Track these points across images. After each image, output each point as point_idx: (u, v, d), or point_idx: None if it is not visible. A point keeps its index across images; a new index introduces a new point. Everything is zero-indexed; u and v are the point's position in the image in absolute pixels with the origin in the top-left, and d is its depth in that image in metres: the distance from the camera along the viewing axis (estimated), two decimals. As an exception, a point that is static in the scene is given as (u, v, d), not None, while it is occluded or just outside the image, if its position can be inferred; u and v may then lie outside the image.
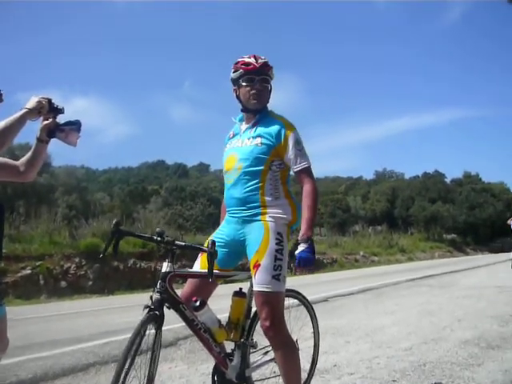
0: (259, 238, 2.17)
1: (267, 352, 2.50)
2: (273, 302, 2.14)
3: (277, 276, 2.13)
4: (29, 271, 11.05)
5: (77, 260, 12.19)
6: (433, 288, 9.42)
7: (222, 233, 2.34)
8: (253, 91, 2.27)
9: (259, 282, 2.13)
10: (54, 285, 11.30)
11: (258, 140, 2.24)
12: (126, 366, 1.75)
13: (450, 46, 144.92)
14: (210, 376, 2.32)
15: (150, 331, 1.89)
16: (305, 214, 2.17)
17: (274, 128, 2.24)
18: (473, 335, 4.35)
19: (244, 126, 2.37)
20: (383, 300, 7.68)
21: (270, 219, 2.20)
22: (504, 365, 3.28)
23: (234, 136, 2.42)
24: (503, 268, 15.06)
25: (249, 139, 2.28)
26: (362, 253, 27.41)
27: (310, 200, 2.18)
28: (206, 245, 2.28)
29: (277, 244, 2.16)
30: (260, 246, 2.15)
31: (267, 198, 2.22)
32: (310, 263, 2.07)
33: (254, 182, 2.21)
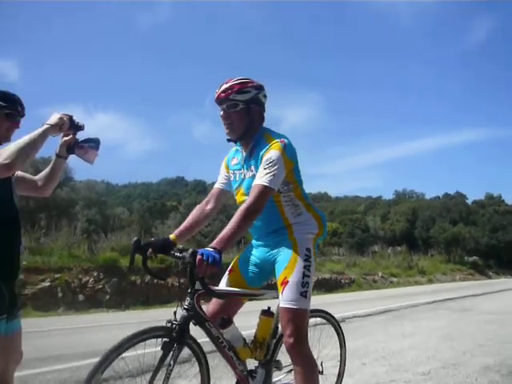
0: (288, 255, 2.17)
1: (290, 371, 2.48)
2: (299, 319, 2.13)
3: (304, 293, 2.13)
4: (48, 283, 11.19)
5: (95, 274, 12.30)
6: (453, 311, 9.20)
7: (252, 254, 2.38)
8: (223, 121, 2.23)
9: (287, 298, 2.12)
10: (71, 298, 11.41)
11: (253, 170, 2.19)
12: None
13: (475, 68, 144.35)
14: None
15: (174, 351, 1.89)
16: (225, 228, 1.99)
17: (262, 153, 2.14)
18: (494, 361, 4.23)
19: (244, 153, 2.29)
20: (402, 322, 7.53)
21: (298, 235, 2.21)
22: (526, 393, 3.17)
23: (236, 164, 2.34)
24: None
25: (247, 170, 2.24)
26: (380, 273, 26.98)
27: (237, 216, 2.01)
28: (232, 264, 2.40)
29: (305, 260, 2.16)
30: (289, 263, 2.15)
31: (290, 218, 2.23)
32: (217, 264, 1.83)
33: (271, 209, 2.19)
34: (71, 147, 2.17)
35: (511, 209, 61.14)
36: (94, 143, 2.21)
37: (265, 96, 2.26)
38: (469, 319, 7.73)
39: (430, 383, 3.53)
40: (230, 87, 2.17)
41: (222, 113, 2.20)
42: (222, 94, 2.17)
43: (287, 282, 2.12)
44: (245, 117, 2.19)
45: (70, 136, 2.16)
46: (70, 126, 2.14)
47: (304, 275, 2.14)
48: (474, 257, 48.57)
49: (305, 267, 2.15)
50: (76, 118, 2.18)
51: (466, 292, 15.92)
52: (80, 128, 2.19)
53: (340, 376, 2.71)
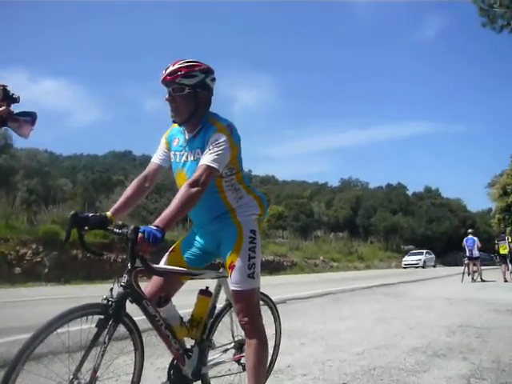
0: (233, 239, 2.21)
1: (226, 350, 2.56)
2: (249, 299, 2.21)
3: (251, 274, 2.19)
4: (-18, 255, 10.68)
5: (34, 246, 11.87)
6: (388, 296, 9.71)
7: (195, 238, 2.40)
8: (168, 103, 2.16)
9: (235, 281, 2.19)
10: (7, 270, 10.98)
11: (199, 153, 2.15)
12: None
13: (421, 61, 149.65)
14: (166, 371, 2.33)
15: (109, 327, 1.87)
16: (168, 206, 1.96)
17: (208, 136, 2.12)
18: (421, 343, 4.53)
19: (187, 135, 2.25)
20: (340, 305, 7.87)
21: (242, 218, 2.24)
22: (448, 372, 3.44)
23: (178, 145, 2.29)
24: (454, 281, 15.67)
25: (192, 152, 2.20)
26: (322, 258, 27.93)
27: (180, 195, 1.99)
28: (174, 245, 2.40)
29: (250, 243, 2.21)
30: (234, 248, 2.19)
31: (232, 202, 2.25)
32: (157, 243, 1.80)
33: (213, 194, 2.20)
34: (4, 119, 2.06)
35: (446, 202, 64.77)
36: (29, 117, 2.12)
37: (213, 79, 2.20)
38: (401, 304, 8.20)
39: (363, 362, 3.75)
40: (177, 70, 2.10)
41: (167, 96, 2.14)
42: (169, 77, 2.11)
43: (234, 265, 2.18)
44: (191, 101, 2.14)
45: (4, 107, 2.05)
46: (4, 96, 2.04)
47: (250, 257, 2.20)
48: (410, 245, 51.24)
49: (250, 249, 2.21)
50: (11, 89, 2.07)
51: (401, 278, 16.80)
52: (15, 100, 2.08)
53: (276, 347, 2.82)
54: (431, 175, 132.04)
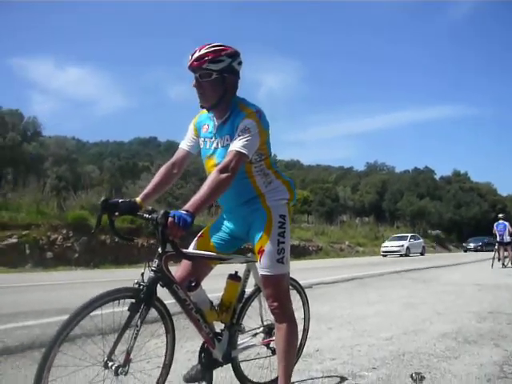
0: (262, 224, 2.20)
1: (256, 334, 2.57)
2: (278, 284, 2.21)
3: (280, 259, 2.18)
4: (15, 240, 11.02)
5: (64, 232, 12.18)
6: (416, 281, 9.59)
7: (224, 223, 2.40)
8: (195, 89, 2.14)
9: (264, 266, 2.18)
10: (39, 255, 11.31)
11: (228, 140, 2.15)
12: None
13: (451, 44, 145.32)
14: (196, 353, 2.36)
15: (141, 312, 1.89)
16: (198, 192, 1.97)
17: (237, 122, 2.10)
18: (451, 329, 4.46)
19: (217, 122, 2.23)
20: (367, 290, 7.82)
21: (271, 203, 2.23)
22: (480, 359, 3.38)
23: (208, 131, 2.28)
24: (484, 267, 15.36)
25: (221, 139, 2.19)
26: (347, 242, 27.78)
27: (210, 180, 1.99)
28: (203, 230, 2.41)
29: (279, 227, 2.20)
30: (263, 232, 2.18)
31: (261, 187, 2.24)
32: (186, 226, 1.80)
33: (243, 180, 2.19)
34: None
35: (476, 186, 63.21)
36: None
37: (240, 63, 2.16)
38: (430, 289, 8.08)
39: (392, 348, 3.71)
40: (204, 55, 2.06)
41: (194, 82, 2.11)
42: (195, 63, 2.07)
43: (263, 250, 2.17)
44: (218, 86, 2.11)
45: None
46: None
47: (279, 242, 2.18)
48: (437, 230, 50.34)
49: (279, 234, 2.19)
50: None
51: (428, 264, 16.59)
52: None
53: (305, 331, 2.82)
54: (460, 159, 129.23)
